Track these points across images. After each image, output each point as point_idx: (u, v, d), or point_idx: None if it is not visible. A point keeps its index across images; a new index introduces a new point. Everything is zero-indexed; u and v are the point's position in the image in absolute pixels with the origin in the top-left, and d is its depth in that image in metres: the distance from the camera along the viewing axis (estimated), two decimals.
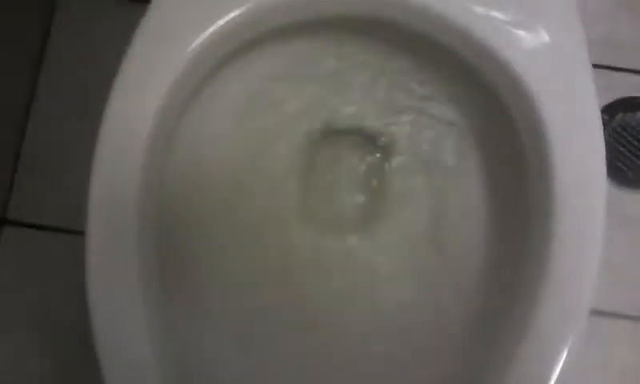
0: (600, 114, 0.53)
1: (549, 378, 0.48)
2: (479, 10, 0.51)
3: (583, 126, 0.52)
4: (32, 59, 0.86)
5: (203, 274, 0.58)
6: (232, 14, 0.51)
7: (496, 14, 0.51)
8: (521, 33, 0.51)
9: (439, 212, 0.62)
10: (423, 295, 0.61)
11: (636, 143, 0.89)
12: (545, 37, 0.51)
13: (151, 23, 0.52)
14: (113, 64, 0.84)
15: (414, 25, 0.53)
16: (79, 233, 0.81)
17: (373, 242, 0.62)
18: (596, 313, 0.85)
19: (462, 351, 0.57)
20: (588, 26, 0.54)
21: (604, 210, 0.52)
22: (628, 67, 0.91)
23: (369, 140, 0.65)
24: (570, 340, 0.49)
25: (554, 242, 0.50)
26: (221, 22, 0.51)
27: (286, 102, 0.62)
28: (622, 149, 0.89)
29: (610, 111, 0.89)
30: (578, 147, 0.52)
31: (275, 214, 0.62)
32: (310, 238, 0.62)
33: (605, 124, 0.88)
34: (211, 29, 0.51)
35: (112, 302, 0.48)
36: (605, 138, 0.84)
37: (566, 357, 0.48)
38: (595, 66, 0.53)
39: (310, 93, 0.62)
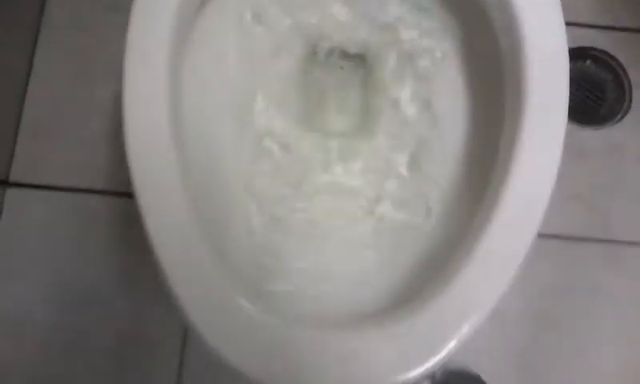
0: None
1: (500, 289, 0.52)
2: None
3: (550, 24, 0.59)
4: (30, 26, 0.91)
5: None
6: None
7: None
8: None
9: (424, 111, 0.68)
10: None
11: (588, 86, 0.98)
12: None
13: None
14: (106, 30, 0.91)
15: None
16: (79, 190, 0.87)
17: (368, 141, 0.69)
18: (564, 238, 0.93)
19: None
20: None
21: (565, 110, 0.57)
22: (573, 21, 1.01)
23: (358, 53, 0.71)
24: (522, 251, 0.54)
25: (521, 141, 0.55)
26: None
27: (279, 22, 0.69)
28: (574, 92, 0.98)
29: None
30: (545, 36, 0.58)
31: (278, 125, 0.68)
32: (315, 141, 0.68)
33: None
34: None
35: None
36: None
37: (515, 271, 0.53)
38: None
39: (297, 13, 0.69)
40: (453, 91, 0.67)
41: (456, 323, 0.50)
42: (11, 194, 0.87)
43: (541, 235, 0.90)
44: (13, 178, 0.87)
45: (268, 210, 0.64)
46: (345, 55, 0.72)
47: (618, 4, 1.02)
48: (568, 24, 0.98)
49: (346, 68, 0.72)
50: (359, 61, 0.72)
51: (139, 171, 0.49)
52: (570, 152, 0.94)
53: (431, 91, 0.68)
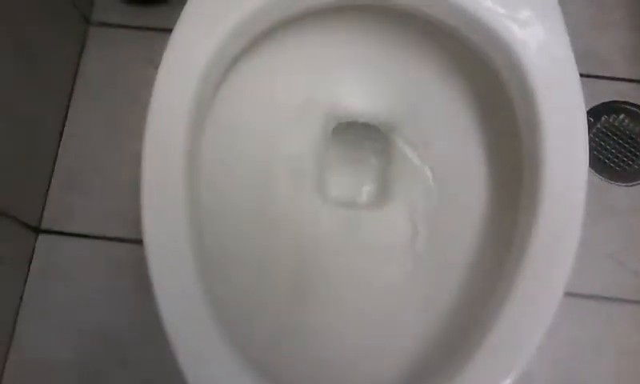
0: (577, 69, 0.58)
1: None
2: None
3: (563, 82, 0.57)
4: (66, 79, 0.95)
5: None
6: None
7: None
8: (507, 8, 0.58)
9: (439, 186, 0.69)
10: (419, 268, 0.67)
11: (621, 141, 0.97)
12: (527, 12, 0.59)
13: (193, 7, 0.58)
14: (141, 83, 0.93)
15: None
16: (108, 239, 0.88)
17: (380, 217, 0.69)
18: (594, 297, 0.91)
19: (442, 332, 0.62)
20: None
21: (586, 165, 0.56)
22: (608, 75, 1.00)
23: (374, 127, 0.72)
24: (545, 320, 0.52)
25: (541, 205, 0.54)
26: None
27: (301, 91, 0.70)
28: (607, 147, 0.96)
29: (595, 114, 0.97)
30: (560, 100, 0.57)
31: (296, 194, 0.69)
32: (328, 213, 0.69)
33: (590, 126, 0.97)
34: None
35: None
36: (591, 138, 0.95)
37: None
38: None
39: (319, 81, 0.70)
40: (470, 163, 0.67)
41: None
42: (42, 240, 0.89)
43: (570, 294, 0.90)
44: (44, 225, 0.90)
45: (285, 283, 0.64)
46: (363, 127, 0.73)
47: None
48: (602, 78, 1.00)
49: (362, 140, 0.73)
50: (377, 133, 0.73)
51: (155, 258, 0.51)
52: (602, 210, 0.94)
53: (449, 164, 0.69)
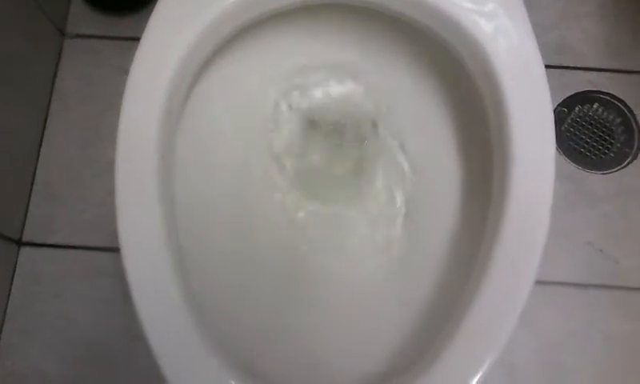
0: (541, 59, 0.59)
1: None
2: None
3: (527, 67, 0.59)
4: (43, 93, 0.95)
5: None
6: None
7: None
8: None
9: (416, 181, 0.70)
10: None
11: (595, 130, 0.98)
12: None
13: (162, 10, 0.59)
14: (115, 91, 0.94)
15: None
16: (89, 248, 0.89)
17: (359, 213, 0.70)
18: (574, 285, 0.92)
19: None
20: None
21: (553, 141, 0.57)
22: (580, 66, 1.01)
23: (351, 123, 0.73)
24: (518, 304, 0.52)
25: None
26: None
27: (275, 89, 0.71)
28: (583, 136, 0.98)
29: (569, 105, 0.99)
30: (525, 88, 0.58)
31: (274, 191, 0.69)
32: (307, 211, 0.69)
33: (565, 116, 0.98)
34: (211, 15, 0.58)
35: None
36: (565, 128, 0.97)
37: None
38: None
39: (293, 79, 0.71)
40: (444, 157, 0.68)
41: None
42: (24, 253, 0.90)
43: (550, 282, 0.91)
44: (26, 237, 0.90)
45: (267, 284, 0.65)
46: (339, 124, 0.73)
47: (626, 47, 1.01)
48: (574, 68, 1.01)
49: (341, 137, 0.74)
50: (353, 129, 0.73)
51: (132, 264, 0.51)
52: (579, 198, 0.95)
53: (424, 159, 0.69)
